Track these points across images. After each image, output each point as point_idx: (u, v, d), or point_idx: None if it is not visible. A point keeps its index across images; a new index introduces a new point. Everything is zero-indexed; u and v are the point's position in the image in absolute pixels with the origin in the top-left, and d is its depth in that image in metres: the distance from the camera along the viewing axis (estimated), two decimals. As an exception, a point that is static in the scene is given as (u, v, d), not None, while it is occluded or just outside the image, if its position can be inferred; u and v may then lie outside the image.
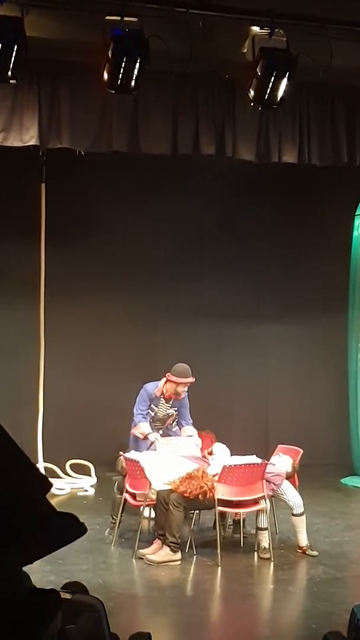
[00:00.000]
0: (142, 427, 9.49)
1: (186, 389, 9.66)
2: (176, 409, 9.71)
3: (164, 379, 9.62)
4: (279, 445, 9.45)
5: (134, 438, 9.64)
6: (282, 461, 8.83)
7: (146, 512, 8.81)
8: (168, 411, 9.70)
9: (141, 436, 9.47)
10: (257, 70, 8.38)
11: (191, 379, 9.62)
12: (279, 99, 8.53)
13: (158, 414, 9.65)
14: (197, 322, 12.53)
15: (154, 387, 9.65)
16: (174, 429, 9.73)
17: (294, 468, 8.86)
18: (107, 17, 7.93)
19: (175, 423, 9.74)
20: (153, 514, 8.76)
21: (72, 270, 11.78)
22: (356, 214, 12.12)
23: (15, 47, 7.64)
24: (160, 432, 9.58)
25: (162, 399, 9.63)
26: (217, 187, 12.02)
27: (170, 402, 9.67)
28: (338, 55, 8.42)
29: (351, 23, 8.63)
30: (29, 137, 9.08)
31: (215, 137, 9.70)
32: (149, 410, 9.61)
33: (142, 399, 9.65)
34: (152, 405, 9.63)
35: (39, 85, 9.09)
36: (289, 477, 8.77)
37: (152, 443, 9.33)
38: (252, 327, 12.80)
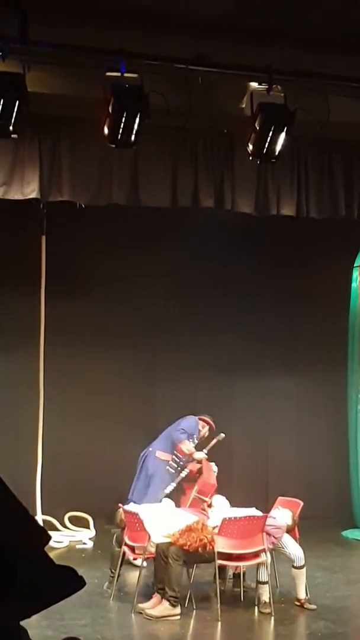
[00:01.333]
0: (190, 445, 9.71)
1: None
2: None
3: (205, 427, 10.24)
4: (279, 498, 9.40)
5: (165, 468, 9.77)
6: (282, 514, 8.78)
7: (138, 562, 8.78)
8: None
9: (187, 452, 9.65)
10: (256, 124, 8.50)
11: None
12: (277, 152, 8.64)
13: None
14: (196, 375, 12.53)
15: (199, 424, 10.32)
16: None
17: (294, 521, 8.80)
18: (108, 73, 8.06)
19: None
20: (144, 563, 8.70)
21: (72, 321, 11.81)
22: (355, 265, 12.18)
23: (17, 102, 7.75)
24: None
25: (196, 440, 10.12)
26: (216, 240, 12.10)
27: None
28: (335, 110, 8.54)
29: (348, 79, 8.77)
30: (30, 190, 9.17)
31: (214, 190, 9.80)
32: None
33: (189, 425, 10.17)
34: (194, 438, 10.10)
35: (40, 139, 9.21)
36: (290, 530, 8.70)
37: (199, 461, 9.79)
38: (252, 379, 12.80)
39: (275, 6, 7.95)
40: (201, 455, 10.04)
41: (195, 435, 10.24)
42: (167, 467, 10.08)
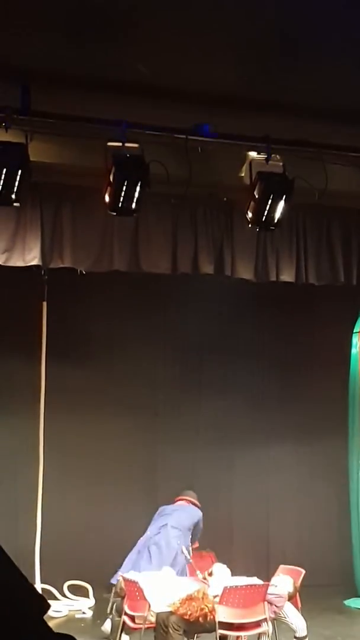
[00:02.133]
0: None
1: None
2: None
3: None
4: (281, 566, 9.31)
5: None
6: (283, 581, 8.68)
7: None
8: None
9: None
10: (255, 193, 8.60)
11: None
12: (276, 220, 8.74)
13: None
14: (196, 442, 12.50)
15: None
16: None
17: (295, 588, 8.70)
18: (109, 143, 8.19)
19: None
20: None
21: (72, 387, 11.82)
22: (355, 331, 12.21)
23: (20, 171, 7.86)
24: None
25: None
26: (216, 305, 12.17)
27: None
28: (333, 178, 8.66)
29: (345, 148, 8.90)
30: (32, 257, 9.24)
31: (214, 257, 9.88)
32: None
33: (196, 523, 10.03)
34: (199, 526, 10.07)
35: (42, 206, 9.31)
36: (291, 597, 8.60)
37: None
38: (252, 445, 12.76)
39: (273, 77, 8.10)
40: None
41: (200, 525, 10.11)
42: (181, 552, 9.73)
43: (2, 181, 7.87)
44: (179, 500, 10.32)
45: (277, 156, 8.72)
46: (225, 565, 9.04)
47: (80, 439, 11.93)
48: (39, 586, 10.55)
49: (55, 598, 10.92)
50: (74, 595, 11.28)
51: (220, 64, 7.89)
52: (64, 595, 11.21)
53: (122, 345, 12.20)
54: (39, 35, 7.34)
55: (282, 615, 8.49)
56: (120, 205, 8.24)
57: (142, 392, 12.31)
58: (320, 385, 12.64)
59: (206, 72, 8.01)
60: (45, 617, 1.78)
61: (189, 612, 7.97)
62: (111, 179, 8.13)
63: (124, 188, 8.12)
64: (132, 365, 12.25)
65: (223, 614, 8.11)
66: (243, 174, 9.01)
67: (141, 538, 9.80)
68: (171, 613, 8.08)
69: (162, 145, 8.44)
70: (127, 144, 8.17)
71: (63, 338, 11.55)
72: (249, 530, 12.57)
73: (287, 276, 10.13)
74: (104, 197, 8.30)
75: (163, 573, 9.02)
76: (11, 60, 7.72)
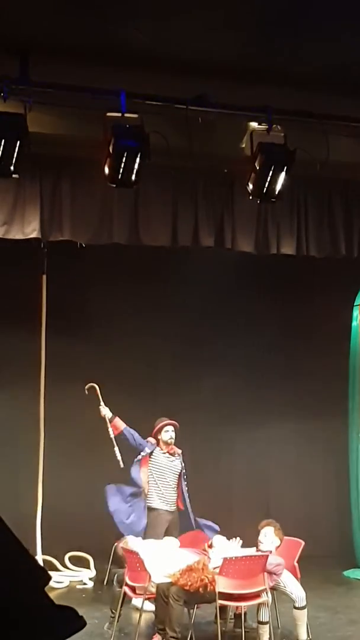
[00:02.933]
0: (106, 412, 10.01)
1: (172, 434, 10.02)
2: (184, 466, 10.00)
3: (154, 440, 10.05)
4: (263, 521, 9.32)
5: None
6: (266, 535, 8.74)
7: (138, 603, 8.71)
8: (179, 465, 9.98)
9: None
10: (256, 164, 8.55)
11: (169, 421, 10.07)
12: (277, 192, 8.69)
13: (161, 467, 9.93)
14: (196, 417, 12.51)
15: (151, 444, 10.09)
16: (184, 485, 9.91)
17: (280, 538, 8.75)
18: (108, 114, 8.12)
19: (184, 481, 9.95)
20: (146, 606, 8.62)
21: (72, 360, 11.82)
22: (355, 304, 12.20)
23: (18, 142, 7.80)
24: (174, 485, 9.88)
25: (161, 452, 9.99)
26: (216, 278, 12.14)
27: (175, 457, 10.01)
28: (334, 149, 8.60)
29: (347, 119, 8.84)
30: (31, 230, 9.21)
31: (214, 229, 9.84)
32: (152, 468, 9.90)
33: (138, 436, 10.14)
34: (145, 449, 9.99)
35: (41, 179, 9.26)
36: (280, 544, 8.67)
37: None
38: (252, 421, 12.78)
39: (275, 47, 8.03)
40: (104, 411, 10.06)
41: (147, 449, 10.08)
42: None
43: (0, 152, 7.81)
44: None
45: (278, 127, 8.66)
46: (224, 537, 9.07)
47: (81, 412, 11.93)
48: (40, 557, 10.61)
49: (57, 569, 10.98)
50: (75, 566, 11.34)
51: (221, 34, 7.82)
52: (65, 567, 11.27)
53: (122, 319, 12.20)
54: (37, 5, 7.27)
55: (282, 586, 8.52)
56: (119, 177, 8.19)
57: (142, 366, 12.32)
58: (321, 359, 12.65)
59: (207, 42, 7.94)
60: (46, 588, 1.77)
61: (189, 583, 8.01)
62: (110, 150, 8.08)
63: (124, 159, 8.06)
64: (132, 338, 12.25)
65: (223, 585, 8.13)
66: (244, 145, 8.95)
67: None
68: (171, 584, 8.12)
69: (162, 115, 8.38)
70: (126, 115, 8.10)
71: (63, 311, 11.54)
72: (249, 503, 12.61)
73: (288, 249, 10.10)
74: (103, 169, 8.25)
75: (164, 544, 9.05)
76: (10, 30, 7.65)
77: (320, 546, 11.42)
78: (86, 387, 10.21)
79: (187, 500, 9.92)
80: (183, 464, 9.99)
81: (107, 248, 9.99)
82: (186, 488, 9.94)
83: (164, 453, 9.97)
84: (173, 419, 11.79)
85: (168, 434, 9.96)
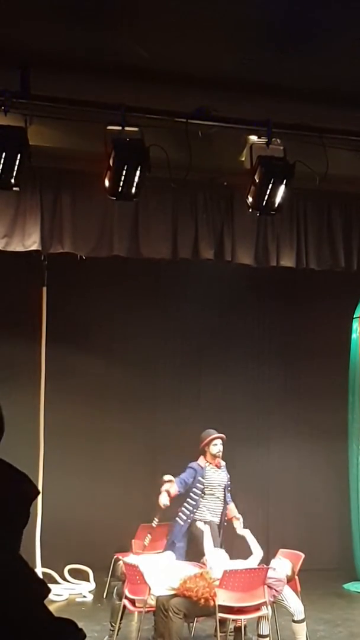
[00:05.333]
0: (172, 485, 9.44)
1: (221, 447, 9.77)
2: (229, 478, 9.78)
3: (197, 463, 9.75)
4: (280, 550, 9.33)
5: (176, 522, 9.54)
6: (281, 565, 8.71)
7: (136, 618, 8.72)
8: (225, 477, 9.74)
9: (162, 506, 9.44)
10: (255, 177, 8.58)
11: (220, 435, 9.79)
12: (276, 205, 8.71)
13: (213, 482, 9.64)
14: (196, 425, 12.47)
15: (197, 463, 9.75)
16: (229, 501, 9.72)
17: (293, 572, 8.73)
18: (109, 127, 8.15)
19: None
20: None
21: (72, 371, 11.84)
22: (355, 316, 12.20)
23: (19, 155, 7.83)
24: (222, 499, 9.63)
25: (210, 467, 9.69)
26: (216, 291, 12.17)
27: (222, 469, 9.78)
28: (334, 163, 8.63)
29: (346, 132, 8.87)
30: (31, 242, 9.22)
31: (214, 242, 9.86)
32: (197, 484, 9.59)
33: (187, 475, 9.69)
34: (198, 477, 9.61)
35: (42, 191, 9.29)
36: (289, 580, 8.64)
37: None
38: (252, 432, 12.77)
39: (274, 60, 8.06)
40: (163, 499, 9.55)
41: (199, 475, 9.88)
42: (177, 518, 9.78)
43: (1, 165, 7.84)
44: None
45: (278, 140, 8.69)
46: (223, 550, 9.06)
47: (80, 424, 11.95)
48: (39, 570, 10.59)
49: (56, 582, 10.96)
50: (75, 579, 11.32)
51: (221, 48, 7.85)
52: (65, 579, 11.25)
53: (122, 330, 12.22)
54: (38, 19, 7.30)
55: (281, 599, 8.51)
56: (120, 190, 8.21)
57: (141, 378, 12.31)
58: (321, 371, 12.65)
59: (206, 56, 7.97)
60: (45, 601, 1.78)
61: (195, 588, 7.95)
62: (111, 164, 8.10)
63: (124, 172, 8.09)
64: (132, 351, 12.26)
65: (223, 598, 8.12)
66: (243, 158, 8.99)
67: None
68: (171, 597, 8.09)
69: (162, 129, 8.41)
70: (126, 128, 8.13)
71: (63, 323, 11.56)
72: (249, 515, 12.57)
73: (287, 261, 10.11)
74: (103, 182, 8.27)
75: (163, 557, 9.04)
76: (11, 44, 7.68)
77: (320, 559, 11.42)
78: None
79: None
80: (228, 476, 9.81)
81: (108, 261, 10.01)
82: (230, 500, 9.77)
83: (212, 467, 9.76)
84: (173, 431, 11.83)
85: (217, 447, 9.76)
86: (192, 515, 9.52)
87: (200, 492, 9.58)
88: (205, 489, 9.64)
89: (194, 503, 9.57)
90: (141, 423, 12.33)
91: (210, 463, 9.73)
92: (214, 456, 9.75)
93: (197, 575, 8.16)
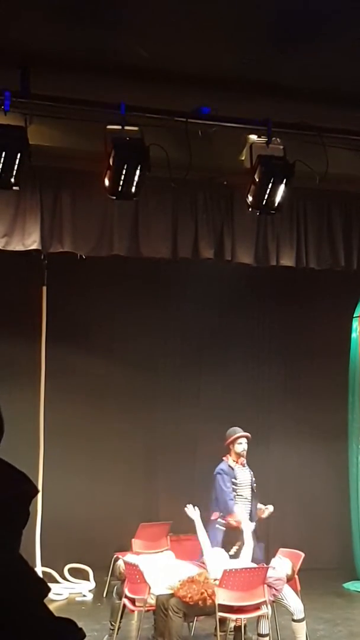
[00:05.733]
0: (238, 515, 9.38)
1: (246, 446, 9.69)
2: (252, 474, 9.69)
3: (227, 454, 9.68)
4: (280, 549, 9.33)
5: (216, 529, 9.41)
6: (281, 564, 8.71)
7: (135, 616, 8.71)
8: (249, 475, 9.65)
9: (235, 524, 9.32)
10: (255, 177, 8.58)
11: (245, 433, 9.70)
12: (276, 204, 8.72)
13: (242, 482, 9.55)
14: (196, 424, 12.51)
15: (225, 464, 9.63)
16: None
17: (293, 571, 8.73)
18: (108, 126, 8.16)
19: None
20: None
21: (72, 370, 11.85)
22: (355, 315, 12.21)
23: (19, 155, 7.83)
24: (250, 498, 9.50)
25: (237, 467, 9.60)
26: (216, 291, 12.17)
27: (246, 467, 9.70)
28: (334, 162, 8.64)
29: (346, 132, 8.87)
30: (31, 242, 9.23)
31: (214, 241, 9.86)
32: (233, 486, 9.50)
33: (224, 481, 9.54)
34: (233, 480, 9.52)
35: (41, 191, 9.29)
36: (289, 579, 8.64)
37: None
38: (252, 431, 12.69)
39: (274, 59, 8.06)
40: (249, 527, 9.21)
41: (231, 477, 9.79)
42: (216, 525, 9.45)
43: (1, 165, 7.85)
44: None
45: (278, 139, 8.70)
46: (222, 549, 9.05)
47: (80, 423, 11.95)
48: (39, 569, 10.60)
49: (56, 581, 10.96)
50: (75, 578, 11.32)
51: (221, 47, 7.85)
52: (65, 578, 11.26)
53: (122, 330, 12.22)
54: (38, 18, 7.29)
55: (281, 598, 8.52)
56: (120, 189, 8.22)
57: (141, 377, 12.32)
58: (321, 370, 12.66)
59: (206, 55, 7.97)
60: (45, 600, 1.78)
61: (189, 595, 8.00)
62: (111, 163, 8.11)
63: (124, 172, 8.09)
64: (132, 350, 12.26)
65: (223, 597, 8.13)
66: (243, 158, 9.00)
67: None
68: (171, 596, 8.10)
69: (162, 128, 8.41)
70: (126, 128, 8.14)
71: (63, 323, 11.56)
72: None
73: (287, 260, 10.12)
74: (103, 181, 8.27)
75: (163, 556, 9.05)
76: (10, 43, 7.67)
77: (320, 558, 11.42)
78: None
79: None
80: (252, 473, 9.72)
81: (108, 260, 10.01)
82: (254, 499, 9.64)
83: (239, 465, 9.67)
84: (172, 431, 11.84)
85: (242, 445, 9.66)
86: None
87: (234, 494, 9.54)
88: (238, 489, 9.56)
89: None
90: (141, 422, 12.33)
91: (236, 462, 9.66)
92: (239, 455, 9.66)
93: (189, 580, 8.16)
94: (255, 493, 9.62)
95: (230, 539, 9.24)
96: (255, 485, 9.65)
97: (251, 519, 9.40)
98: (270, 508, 9.51)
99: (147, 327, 12.23)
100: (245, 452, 9.70)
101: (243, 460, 9.71)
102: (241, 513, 9.31)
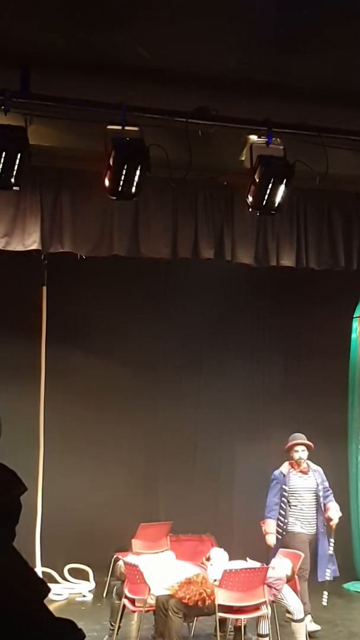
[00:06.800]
0: (268, 525, 9.36)
1: (303, 454, 9.64)
2: (321, 481, 9.61)
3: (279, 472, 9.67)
4: (280, 549, 9.33)
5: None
6: (281, 564, 8.71)
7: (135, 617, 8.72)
8: (310, 483, 9.56)
9: (264, 532, 9.31)
10: (255, 177, 8.59)
11: (301, 441, 9.67)
12: (276, 204, 8.72)
13: (297, 490, 9.54)
14: (197, 423, 12.52)
15: (280, 469, 9.67)
16: (328, 501, 9.55)
17: (293, 572, 8.74)
18: (109, 127, 8.16)
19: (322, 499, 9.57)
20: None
21: (72, 370, 11.84)
22: (354, 316, 12.20)
23: (19, 155, 7.83)
24: (307, 507, 9.47)
25: (294, 474, 9.57)
26: (216, 290, 12.16)
27: (309, 475, 9.61)
28: (334, 162, 8.64)
29: (346, 132, 8.87)
30: (31, 242, 9.22)
31: (214, 242, 9.86)
32: (283, 492, 9.49)
33: (271, 487, 9.60)
34: (283, 487, 9.51)
35: (42, 191, 9.29)
36: (288, 580, 8.64)
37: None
38: (252, 430, 12.77)
39: (274, 60, 8.07)
40: (272, 541, 9.36)
41: (282, 483, 9.64)
42: None
43: (1, 165, 7.84)
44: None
45: (278, 140, 8.70)
46: (222, 550, 9.06)
47: (80, 423, 11.95)
48: (39, 569, 10.59)
49: (56, 581, 10.95)
50: (75, 578, 11.32)
51: (221, 47, 7.86)
52: (65, 579, 11.25)
53: (122, 330, 12.21)
54: (38, 18, 7.30)
55: (280, 598, 8.52)
56: (120, 189, 8.22)
57: (141, 377, 12.31)
58: (321, 370, 12.64)
59: (207, 55, 7.97)
60: (45, 600, 1.78)
61: (187, 596, 8.00)
62: (111, 163, 8.11)
63: (124, 172, 8.09)
64: (131, 350, 12.25)
65: (222, 597, 8.13)
66: (243, 158, 9.00)
67: None
68: (171, 596, 8.10)
69: (162, 128, 8.41)
70: (126, 128, 8.14)
71: (63, 322, 11.55)
72: (249, 514, 12.58)
73: (287, 261, 10.12)
74: (103, 182, 8.27)
75: (163, 557, 9.05)
76: (11, 43, 7.68)
77: (320, 558, 11.38)
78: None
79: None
80: (320, 480, 9.63)
81: (108, 260, 10.01)
82: (324, 506, 9.55)
83: (297, 473, 9.64)
84: (173, 430, 11.82)
85: (298, 453, 9.64)
86: (285, 527, 9.44)
87: (286, 501, 9.49)
88: (290, 497, 9.52)
89: (283, 513, 9.49)
90: (141, 422, 12.32)
91: (293, 469, 9.61)
92: (297, 462, 9.64)
93: (187, 581, 8.16)
94: (319, 502, 9.53)
95: (285, 544, 9.29)
96: (321, 493, 9.54)
97: (318, 529, 9.43)
98: (335, 519, 9.46)
99: (147, 327, 12.22)
100: (302, 461, 9.63)
101: (305, 467, 9.62)
102: (271, 525, 9.31)
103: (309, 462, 9.85)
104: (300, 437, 9.78)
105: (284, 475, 9.56)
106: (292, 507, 9.47)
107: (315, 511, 9.52)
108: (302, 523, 9.47)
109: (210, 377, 12.62)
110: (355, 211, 10.29)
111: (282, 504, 9.48)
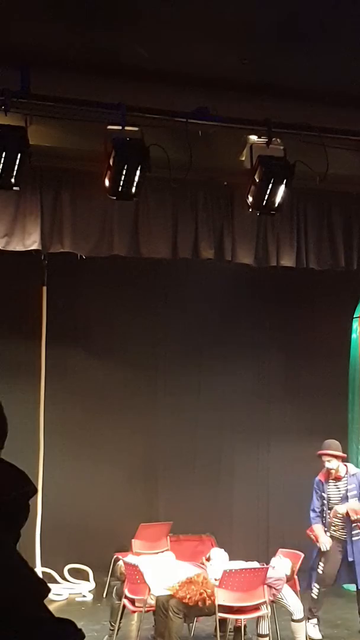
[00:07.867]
0: (315, 529, 9.35)
1: (330, 464, 9.47)
2: (353, 487, 9.45)
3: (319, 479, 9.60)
4: (280, 550, 9.33)
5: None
6: (281, 563, 8.72)
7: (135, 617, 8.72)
8: (341, 492, 9.45)
9: (314, 538, 9.30)
10: (255, 177, 8.59)
11: (331, 452, 9.49)
12: (276, 205, 8.72)
13: (331, 499, 9.46)
14: (196, 422, 12.51)
15: (317, 477, 9.60)
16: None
17: (292, 571, 8.74)
18: (109, 127, 8.16)
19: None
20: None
21: (72, 370, 11.84)
22: (355, 316, 12.20)
23: (19, 155, 7.83)
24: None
25: (329, 482, 9.50)
26: (216, 291, 12.16)
27: (342, 481, 9.49)
28: (334, 162, 8.64)
29: (346, 132, 8.87)
30: (31, 242, 9.22)
31: (214, 242, 9.86)
32: (323, 500, 9.46)
33: (313, 494, 9.56)
34: (322, 494, 9.49)
35: (42, 191, 9.28)
36: (288, 580, 8.65)
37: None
38: (252, 431, 12.77)
39: (274, 60, 8.07)
40: (325, 545, 9.28)
41: (320, 490, 9.57)
42: None
43: (1, 165, 7.85)
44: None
45: (278, 140, 8.70)
46: (223, 550, 9.06)
47: (80, 423, 11.94)
48: (39, 569, 10.59)
49: (56, 581, 10.96)
50: (75, 578, 11.32)
51: (221, 48, 7.86)
52: (65, 579, 11.26)
53: (122, 330, 12.20)
54: (39, 18, 7.30)
55: (280, 598, 8.52)
56: (120, 189, 8.22)
57: (141, 377, 12.31)
58: (321, 371, 12.64)
59: (207, 56, 7.97)
60: (45, 600, 1.78)
61: (188, 596, 8.00)
62: (111, 163, 8.11)
63: (124, 172, 8.09)
64: (132, 350, 12.25)
65: (222, 598, 8.13)
66: (243, 158, 9.00)
67: None
68: (171, 596, 8.10)
69: (162, 128, 8.41)
70: (127, 128, 8.14)
71: (63, 322, 11.56)
72: (249, 514, 12.60)
73: (288, 261, 10.11)
74: (103, 181, 8.27)
75: (163, 557, 9.05)
76: (11, 43, 7.68)
77: (320, 558, 11.38)
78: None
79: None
80: (351, 486, 9.43)
81: (108, 260, 10.01)
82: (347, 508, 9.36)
83: (332, 481, 9.54)
84: (173, 430, 11.80)
85: (328, 463, 9.51)
86: (326, 532, 9.41)
87: (326, 509, 9.44)
88: (324, 506, 9.49)
89: (323, 520, 9.48)
90: (141, 422, 12.32)
91: (326, 478, 9.55)
92: (328, 471, 9.53)
93: (187, 581, 8.17)
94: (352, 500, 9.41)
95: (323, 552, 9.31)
96: (349, 499, 9.41)
97: (350, 535, 9.34)
98: (341, 510, 9.36)
99: (147, 327, 12.22)
100: (334, 471, 9.47)
101: (338, 475, 9.50)
102: (320, 529, 9.29)
103: (349, 465, 9.73)
104: (327, 447, 9.60)
105: (322, 483, 9.52)
106: (328, 515, 9.42)
107: (346, 518, 9.40)
108: (333, 529, 9.41)
109: (210, 377, 12.61)
110: (355, 211, 10.29)
111: (322, 511, 9.46)
